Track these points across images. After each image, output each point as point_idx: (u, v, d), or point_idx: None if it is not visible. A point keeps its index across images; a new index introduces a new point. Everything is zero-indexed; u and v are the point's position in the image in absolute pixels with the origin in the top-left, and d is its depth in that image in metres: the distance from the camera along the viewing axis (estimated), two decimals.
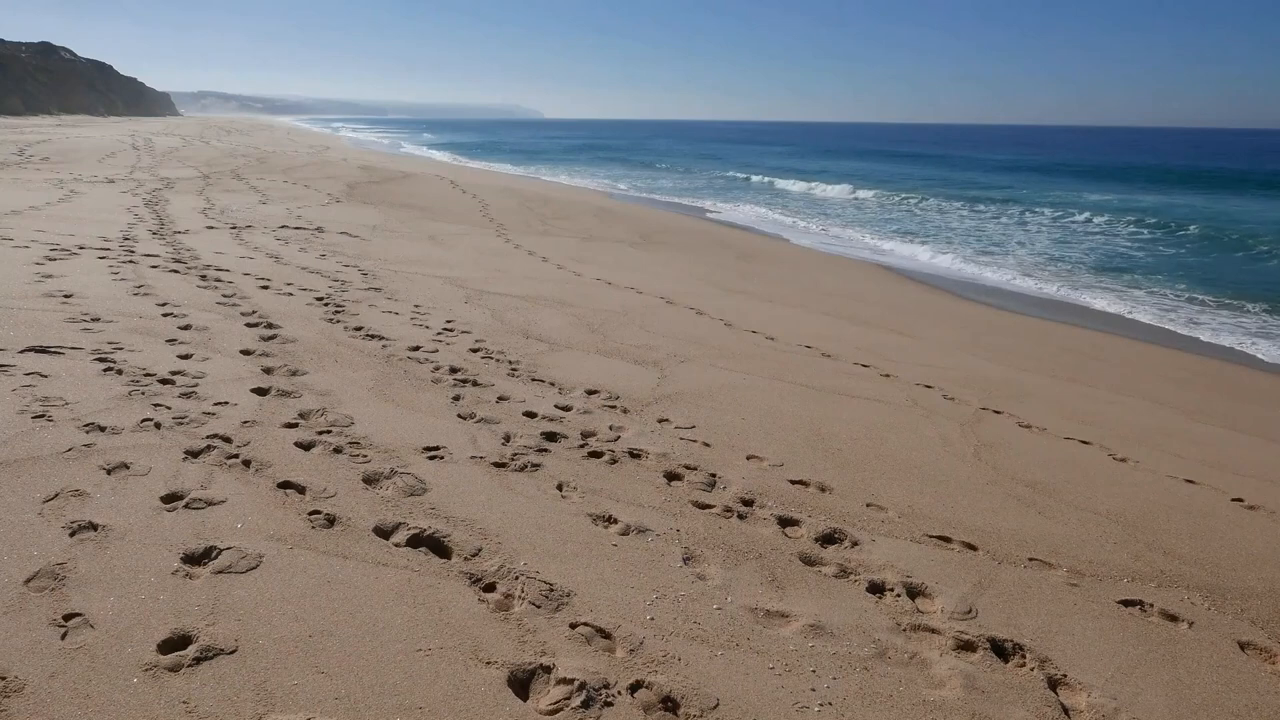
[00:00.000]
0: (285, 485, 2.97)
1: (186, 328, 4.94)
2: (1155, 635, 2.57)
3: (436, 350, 4.99)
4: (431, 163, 30.77)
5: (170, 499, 2.79)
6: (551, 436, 3.72)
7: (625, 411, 4.17)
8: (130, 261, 6.80)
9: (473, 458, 3.39)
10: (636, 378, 4.81)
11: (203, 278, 6.46)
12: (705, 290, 8.16)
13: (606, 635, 2.28)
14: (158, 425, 3.38)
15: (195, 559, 2.44)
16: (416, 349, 4.98)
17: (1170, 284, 11.28)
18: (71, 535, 2.50)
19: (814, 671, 2.21)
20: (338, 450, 3.32)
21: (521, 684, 2.07)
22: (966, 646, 2.40)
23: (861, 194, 25.22)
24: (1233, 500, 3.73)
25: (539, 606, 2.38)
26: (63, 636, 2.04)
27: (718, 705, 2.05)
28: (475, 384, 4.38)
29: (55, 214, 9.20)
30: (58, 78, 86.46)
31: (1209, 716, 2.21)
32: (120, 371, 4.01)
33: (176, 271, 6.62)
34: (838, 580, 2.72)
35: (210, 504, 2.77)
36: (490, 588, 2.46)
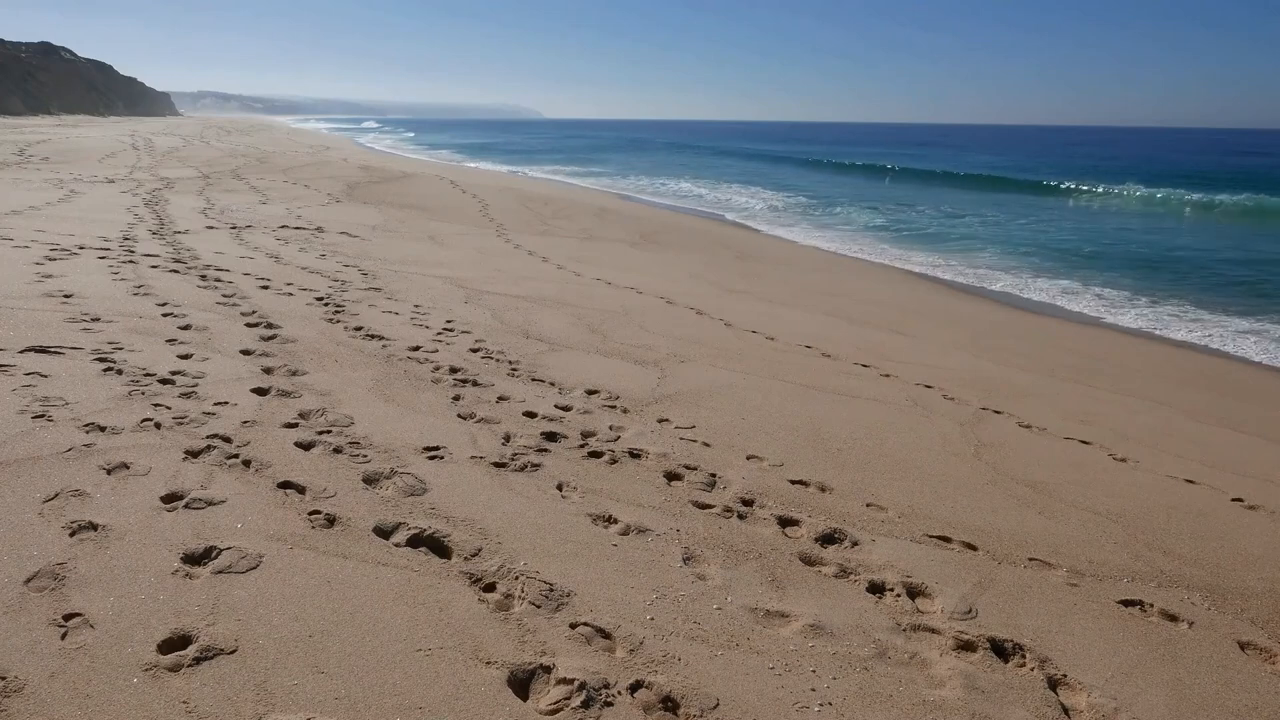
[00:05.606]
0: (285, 485, 2.97)
1: (186, 328, 4.94)
2: (1155, 635, 2.57)
3: (436, 350, 4.99)
4: (431, 163, 30.77)
5: (170, 499, 2.79)
6: (551, 436, 3.72)
7: (625, 411, 4.17)
8: (130, 261, 6.81)
9: (473, 458, 3.39)
10: (636, 378, 4.81)
11: (203, 278, 6.46)
12: (705, 290, 8.16)
13: (606, 635, 2.28)
14: (158, 425, 3.38)
15: (195, 559, 2.44)
16: (416, 349, 4.98)
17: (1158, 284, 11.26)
18: (71, 535, 2.50)
19: (814, 671, 2.21)
20: (338, 450, 3.32)
21: (521, 684, 2.07)
22: (966, 646, 2.40)
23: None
24: (1233, 500, 3.73)
25: (539, 606, 2.38)
26: (63, 636, 2.04)
27: (718, 705, 2.05)
28: (475, 384, 4.38)
29: (55, 214, 9.20)
30: (58, 78, 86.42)
31: (1209, 716, 2.21)
32: (120, 371, 4.01)
33: (176, 271, 6.62)
34: (838, 580, 2.72)
35: (210, 504, 2.77)
36: (490, 588, 2.46)
